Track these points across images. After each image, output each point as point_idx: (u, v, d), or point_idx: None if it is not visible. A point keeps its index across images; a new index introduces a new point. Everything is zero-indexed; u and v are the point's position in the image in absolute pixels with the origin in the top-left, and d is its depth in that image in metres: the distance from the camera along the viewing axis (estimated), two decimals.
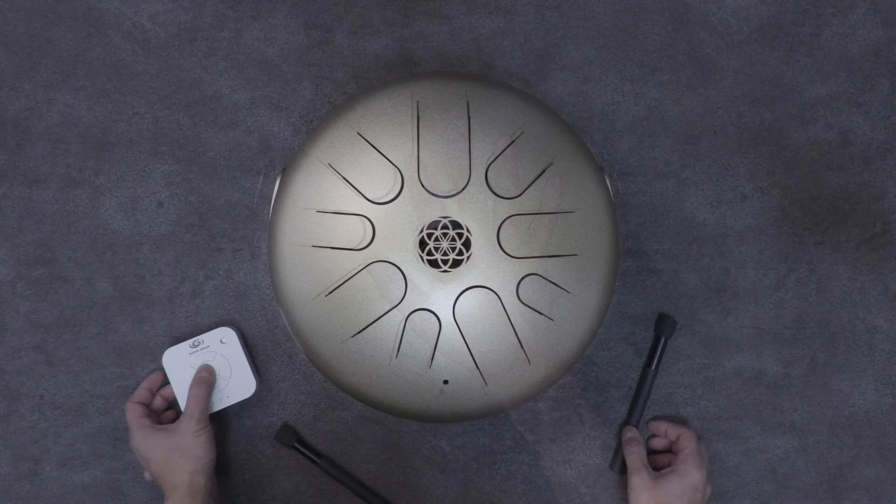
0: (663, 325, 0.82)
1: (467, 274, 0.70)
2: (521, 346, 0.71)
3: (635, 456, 0.80)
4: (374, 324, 0.70)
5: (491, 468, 0.83)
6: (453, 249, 0.70)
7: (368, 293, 0.70)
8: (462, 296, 0.70)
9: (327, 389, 0.83)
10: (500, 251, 0.70)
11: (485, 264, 0.70)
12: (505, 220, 0.70)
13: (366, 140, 0.71)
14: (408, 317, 0.70)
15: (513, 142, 0.71)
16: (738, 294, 0.84)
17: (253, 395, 0.81)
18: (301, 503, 0.83)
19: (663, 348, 0.83)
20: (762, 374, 0.84)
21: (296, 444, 0.81)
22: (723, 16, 0.85)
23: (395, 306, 0.70)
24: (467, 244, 0.70)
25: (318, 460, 0.81)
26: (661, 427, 0.83)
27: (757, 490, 0.84)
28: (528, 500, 0.83)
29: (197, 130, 0.83)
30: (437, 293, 0.70)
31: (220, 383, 0.80)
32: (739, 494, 0.84)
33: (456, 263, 0.70)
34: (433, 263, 0.70)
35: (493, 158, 0.71)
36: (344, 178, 0.71)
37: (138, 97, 0.83)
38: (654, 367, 0.82)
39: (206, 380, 0.79)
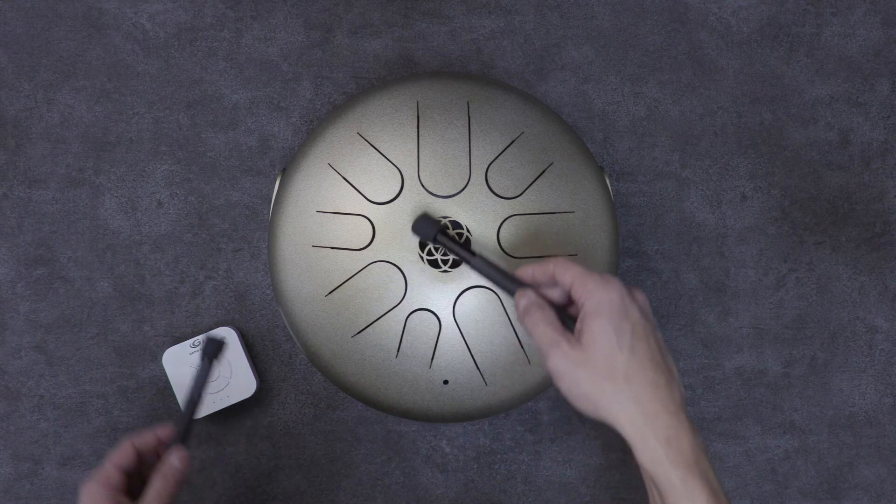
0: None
1: (467, 274, 0.70)
2: (521, 346, 0.71)
3: (543, 326, 0.57)
4: (374, 324, 0.70)
5: (491, 468, 0.83)
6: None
7: (368, 293, 0.70)
8: (462, 296, 0.70)
9: (327, 389, 0.83)
10: (501, 251, 0.70)
11: None
12: (505, 220, 0.70)
13: (366, 140, 0.71)
14: (408, 317, 0.70)
15: (513, 142, 0.71)
16: (738, 294, 0.84)
17: (253, 395, 0.81)
18: (301, 503, 0.83)
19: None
20: (762, 374, 0.84)
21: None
22: (723, 16, 0.85)
23: (395, 306, 0.70)
24: (467, 244, 0.70)
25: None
26: (527, 274, 0.62)
27: (757, 490, 0.84)
28: (528, 500, 0.83)
29: (197, 130, 0.83)
30: (437, 293, 0.70)
31: (220, 383, 0.80)
32: (739, 494, 0.84)
33: (456, 263, 0.70)
34: (433, 263, 0.70)
35: (493, 158, 0.71)
36: (344, 178, 0.71)
37: (138, 97, 0.83)
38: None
39: (177, 473, 0.63)
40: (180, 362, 0.80)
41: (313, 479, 0.83)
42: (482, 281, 0.70)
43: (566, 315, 0.60)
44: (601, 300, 0.56)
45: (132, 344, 0.82)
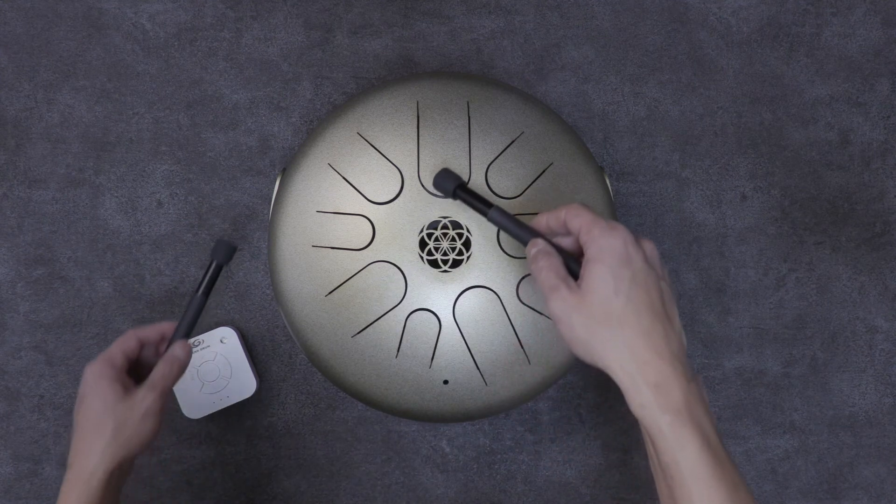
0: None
1: (467, 274, 0.70)
2: (521, 346, 0.71)
3: (546, 272, 0.58)
4: (374, 324, 0.70)
5: (491, 468, 0.83)
6: (453, 249, 0.70)
7: (368, 293, 0.70)
8: (462, 296, 0.70)
9: (327, 389, 0.83)
10: (500, 251, 0.70)
11: (485, 264, 0.70)
12: None
13: (366, 140, 0.71)
14: (408, 317, 0.70)
15: (513, 142, 0.71)
16: (738, 294, 0.84)
17: (253, 395, 0.81)
18: (301, 503, 0.83)
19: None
20: (762, 374, 0.84)
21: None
22: (723, 16, 0.85)
23: (395, 306, 0.70)
24: (467, 244, 0.70)
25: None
26: (542, 223, 0.62)
27: (757, 490, 0.84)
28: (528, 500, 0.83)
29: (197, 130, 0.83)
30: (437, 293, 0.70)
31: (220, 383, 0.80)
32: None
33: (456, 263, 0.70)
34: (433, 263, 0.70)
35: (493, 158, 0.71)
36: (344, 178, 0.71)
37: (138, 97, 0.83)
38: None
39: (180, 360, 0.66)
40: None
41: (313, 479, 0.83)
42: (482, 280, 0.70)
43: (575, 262, 0.60)
44: (603, 246, 0.56)
45: None
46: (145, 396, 0.63)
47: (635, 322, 0.55)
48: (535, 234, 0.62)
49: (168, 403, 0.81)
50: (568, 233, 0.61)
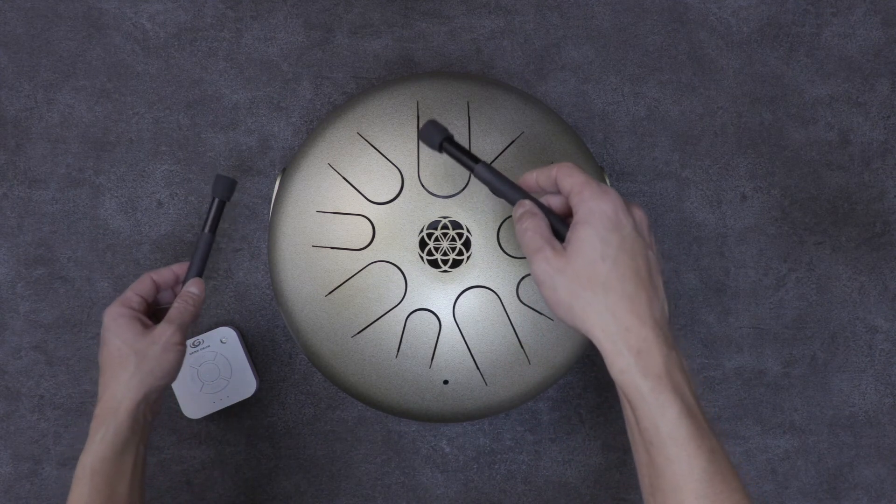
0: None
1: (467, 274, 0.70)
2: (521, 346, 0.71)
3: (531, 233, 0.57)
4: (374, 324, 0.70)
5: (491, 468, 0.83)
6: (453, 249, 0.70)
7: (368, 293, 0.70)
8: (462, 296, 0.70)
9: (327, 389, 0.83)
10: (500, 251, 0.70)
11: (485, 264, 0.70)
12: (505, 220, 0.70)
13: (366, 140, 0.71)
14: (408, 317, 0.70)
15: (513, 142, 0.71)
16: (738, 294, 0.84)
17: (253, 395, 0.81)
18: (301, 503, 0.83)
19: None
20: (762, 374, 0.84)
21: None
22: (723, 16, 0.85)
23: (395, 306, 0.70)
24: (467, 244, 0.70)
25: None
26: (531, 179, 0.60)
27: (757, 490, 0.84)
28: (528, 500, 0.83)
29: (197, 130, 0.83)
30: (437, 293, 0.70)
31: (220, 383, 0.80)
32: None
33: (456, 263, 0.70)
34: (433, 263, 0.70)
35: (493, 159, 0.71)
36: (344, 178, 0.71)
37: (138, 97, 0.83)
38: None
39: (195, 297, 0.68)
40: None
41: (313, 479, 0.83)
42: (482, 280, 0.70)
43: (562, 224, 0.59)
44: (593, 209, 0.55)
45: None
46: (164, 330, 0.65)
47: (620, 287, 0.55)
48: (523, 194, 0.60)
49: (167, 403, 0.81)
50: (557, 191, 0.59)
